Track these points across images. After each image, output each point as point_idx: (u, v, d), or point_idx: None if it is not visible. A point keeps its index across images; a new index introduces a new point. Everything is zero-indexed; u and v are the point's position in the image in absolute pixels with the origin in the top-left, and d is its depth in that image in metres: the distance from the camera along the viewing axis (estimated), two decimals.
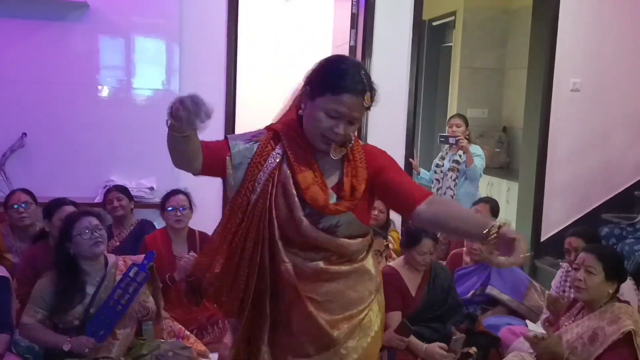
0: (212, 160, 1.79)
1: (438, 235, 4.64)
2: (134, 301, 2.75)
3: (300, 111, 1.79)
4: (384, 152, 1.90)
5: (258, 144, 1.80)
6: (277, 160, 1.77)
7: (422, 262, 3.03)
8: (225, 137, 1.84)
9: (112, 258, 2.87)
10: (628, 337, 2.39)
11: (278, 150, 1.78)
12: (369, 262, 1.90)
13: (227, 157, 1.79)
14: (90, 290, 2.74)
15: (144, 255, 2.93)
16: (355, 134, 1.82)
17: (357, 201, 1.76)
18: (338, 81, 1.69)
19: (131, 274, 2.76)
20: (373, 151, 1.88)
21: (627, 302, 2.62)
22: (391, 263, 3.10)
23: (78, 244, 2.72)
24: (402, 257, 3.15)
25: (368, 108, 1.75)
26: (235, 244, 1.78)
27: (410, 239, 3.04)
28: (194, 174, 1.80)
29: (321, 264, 1.79)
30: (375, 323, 1.90)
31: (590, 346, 2.46)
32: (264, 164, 1.77)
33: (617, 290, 2.61)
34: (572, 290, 3.20)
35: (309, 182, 1.74)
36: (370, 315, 1.89)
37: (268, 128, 1.84)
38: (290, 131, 1.80)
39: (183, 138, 1.62)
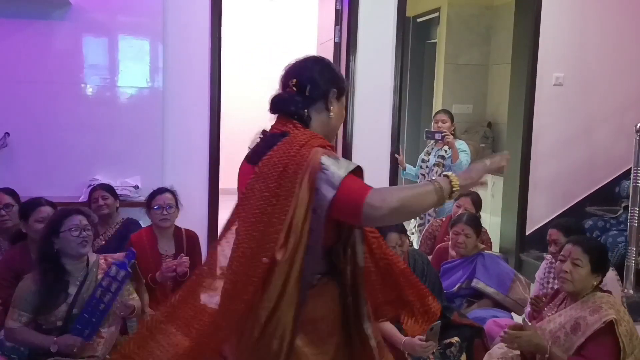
0: None
1: (413, 227, 4.69)
2: (116, 300, 2.74)
3: (331, 113, 1.83)
4: None
5: None
6: None
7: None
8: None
9: (93, 257, 2.85)
10: (610, 326, 2.42)
11: None
12: None
13: None
14: (72, 290, 2.72)
15: (124, 253, 2.94)
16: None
17: None
18: (344, 81, 1.91)
19: (112, 272, 2.75)
20: None
21: (609, 292, 2.65)
22: None
23: (65, 240, 2.71)
24: None
25: None
26: None
27: None
28: None
29: None
30: None
31: (573, 335, 2.49)
32: None
33: (600, 282, 2.65)
34: (555, 281, 3.24)
35: None
36: None
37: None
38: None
39: None
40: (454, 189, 1.64)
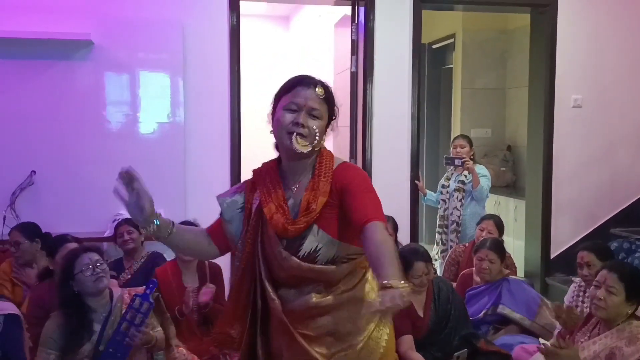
0: (220, 238, 1.97)
1: (436, 254, 4.67)
2: (141, 332, 2.73)
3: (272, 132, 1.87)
4: (359, 170, 1.94)
5: (243, 194, 1.93)
6: (257, 201, 1.87)
7: (420, 284, 3.07)
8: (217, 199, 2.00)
9: (117, 292, 2.85)
10: None
11: (257, 193, 1.88)
12: (363, 289, 1.87)
13: (221, 218, 1.95)
14: (97, 327, 2.73)
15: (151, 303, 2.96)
16: (333, 153, 1.91)
17: (312, 214, 1.77)
18: (290, 82, 1.87)
19: (135, 305, 2.75)
20: (346, 168, 1.88)
21: None
22: None
23: (81, 281, 2.70)
24: None
25: (331, 108, 1.87)
26: (237, 286, 1.90)
27: (403, 264, 3.07)
28: (222, 255, 2.03)
29: (312, 298, 1.81)
30: (377, 351, 1.87)
31: None
32: (251, 208, 1.89)
33: (635, 309, 2.59)
34: (585, 305, 3.20)
35: (272, 212, 1.81)
36: (370, 344, 1.86)
37: (253, 173, 1.97)
38: (264, 168, 1.92)
39: (166, 242, 1.88)
40: None
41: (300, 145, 1.77)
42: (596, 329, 2.63)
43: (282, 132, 1.80)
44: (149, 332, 2.81)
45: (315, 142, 1.80)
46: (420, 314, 3.05)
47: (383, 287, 1.46)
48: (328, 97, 1.85)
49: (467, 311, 3.30)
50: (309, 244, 1.78)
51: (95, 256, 2.77)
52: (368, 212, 1.70)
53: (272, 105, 1.89)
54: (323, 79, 1.89)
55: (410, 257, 3.06)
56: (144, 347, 2.80)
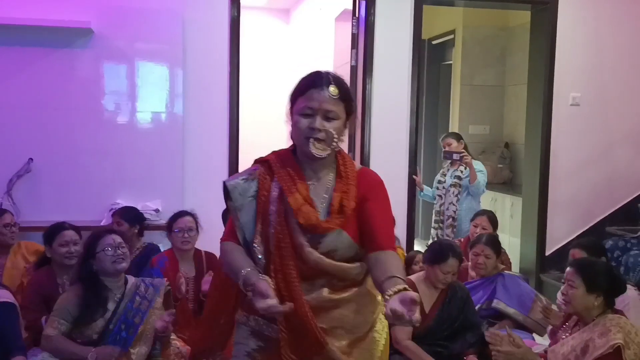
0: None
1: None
2: (150, 309, 2.81)
3: (289, 127, 1.84)
4: (379, 180, 1.92)
5: (256, 180, 1.87)
6: (277, 190, 1.83)
7: (443, 280, 3.07)
8: (224, 185, 1.89)
9: (132, 279, 2.94)
10: (618, 350, 2.38)
11: (275, 182, 1.85)
12: (369, 284, 1.90)
13: (229, 203, 1.88)
14: (111, 306, 2.81)
15: (162, 279, 3.04)
16: (352, 158, 1.89)
17: (345, 218, 1.80)
18: (304, 83, 1.84)
19: (147, 280, 2.88)
20: (368, 175, 1.92)
21: (622, 313, 2.64)
22: (412, 276, 3.13)
23: (101, 260, 2.81)
24: (422, 272, 3.20)
25: (347, 105, 1.84)
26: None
27: (436, 256, 3.08)
28: None
29: (325, 292, 1.82)
30: (380, 342, 1.92)
31: (582, 358, 2.47)
32: (268, 196, 1.84)
33: (611, 302, 2.61)
34: None
35: (299, 203, 1.79)
36: (375, 335, 1.91)
37: (259, 161, 1.91)
38: (280, 159, 1.88)
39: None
40: None
41: (319, 150, 1.79)
42: (577, 326, 2.67)
43: (300, 138, 1.81)
44: (170, 318, 2.88)
45: (334, 144, 1.81)
46: (427, 309, 3.06)
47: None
48: (343, 95, 1.82)
49: (478, 320, 3.27)
50: (329, 243, 1.80)
51: (118, 239, 2.90)
52: (384, 240, 1.78)
53: (288, 107, 1.86)
54: (337, 74, 1.86)
55: (447, 252, 3.07)
56: (160, 335, 2.85)
